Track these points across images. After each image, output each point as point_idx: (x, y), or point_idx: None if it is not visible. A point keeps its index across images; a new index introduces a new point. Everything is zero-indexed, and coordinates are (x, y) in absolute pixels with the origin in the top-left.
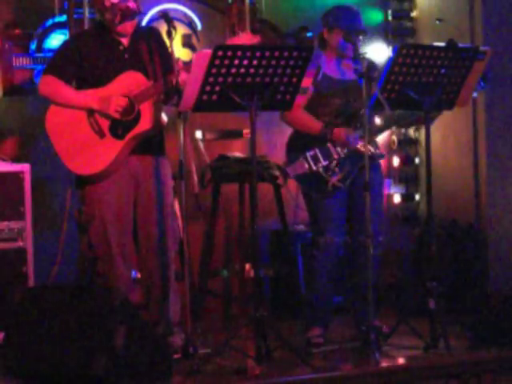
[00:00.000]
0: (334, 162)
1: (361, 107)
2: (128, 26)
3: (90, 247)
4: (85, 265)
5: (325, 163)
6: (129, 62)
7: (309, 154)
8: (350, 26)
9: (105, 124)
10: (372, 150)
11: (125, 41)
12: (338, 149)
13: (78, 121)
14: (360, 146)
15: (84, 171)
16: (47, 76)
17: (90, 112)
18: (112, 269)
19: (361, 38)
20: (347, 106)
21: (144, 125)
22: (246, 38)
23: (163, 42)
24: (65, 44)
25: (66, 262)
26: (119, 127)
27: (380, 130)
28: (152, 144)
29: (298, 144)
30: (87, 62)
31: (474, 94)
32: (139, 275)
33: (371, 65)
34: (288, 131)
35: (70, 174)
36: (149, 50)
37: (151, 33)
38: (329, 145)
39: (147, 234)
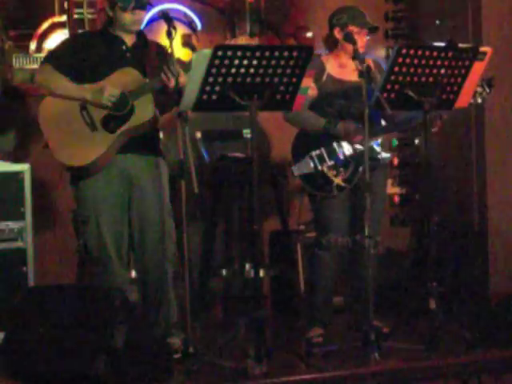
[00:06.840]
0: (339, 162)
1: (364, 108)
2: (138, 17)
3: (85, 248)
4: (84, 265)
5: (330, 163)
6: (130, 60)
7: (314, 154)
8: (363, 24)
9: (97, 117)
10: (378, 150)
11: (129, 41)
12: (344, 149)
13: (71, 113)
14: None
15: (72, 162)
16: (45, 64)
17: (83, 105)
18: (108, 269)
19: (368, 36)
20: (351, 106)
21: (136, 120)
22: (243, 42)
23: (166, 56)
24: (68, 38)
25: (66, 262)
26: (111, 121)
27: (381, 132)
28: (148, 144)
29: (304, 143)
30: (87, 57)
31: (479, 100)
32: (136, 275)
33: (374, 63)
34: (289, 130)
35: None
36: (149, 56)
37: (156, 45)
38: (334, 144)
39: (143, 235)
